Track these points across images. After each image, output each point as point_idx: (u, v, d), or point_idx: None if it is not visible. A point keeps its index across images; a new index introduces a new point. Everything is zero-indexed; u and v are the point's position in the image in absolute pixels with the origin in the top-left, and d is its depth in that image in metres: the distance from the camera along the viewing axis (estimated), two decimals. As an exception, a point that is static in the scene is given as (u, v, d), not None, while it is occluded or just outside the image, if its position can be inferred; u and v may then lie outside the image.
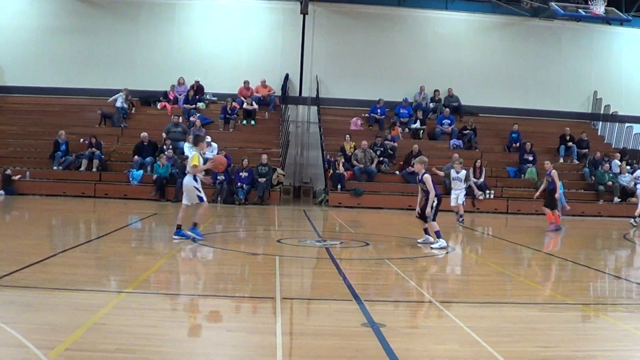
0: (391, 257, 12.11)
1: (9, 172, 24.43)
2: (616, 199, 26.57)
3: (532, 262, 12.97)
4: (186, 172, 13.47)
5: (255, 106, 29.85)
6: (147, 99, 30.71)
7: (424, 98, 31.72)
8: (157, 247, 13.27)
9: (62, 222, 17.93)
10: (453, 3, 32.32)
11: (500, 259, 13.15)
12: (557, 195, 18.35)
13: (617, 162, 28.17)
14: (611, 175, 27.22)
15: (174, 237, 12.91)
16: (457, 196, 19.59)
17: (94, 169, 25.52)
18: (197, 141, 13.83)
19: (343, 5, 31.99)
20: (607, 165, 27.60)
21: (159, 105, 30.40)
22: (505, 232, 18.65)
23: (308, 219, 20.32)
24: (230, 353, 5.81)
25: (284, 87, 30.94)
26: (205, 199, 13.24)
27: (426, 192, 13.47)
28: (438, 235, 13.35)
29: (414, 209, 14.15)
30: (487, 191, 25.88)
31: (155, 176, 24.63)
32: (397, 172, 26.92)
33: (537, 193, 19.69)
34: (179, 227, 13.06)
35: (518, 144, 29.41)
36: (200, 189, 13.13)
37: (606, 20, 30.74)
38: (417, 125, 30.32)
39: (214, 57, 31.09)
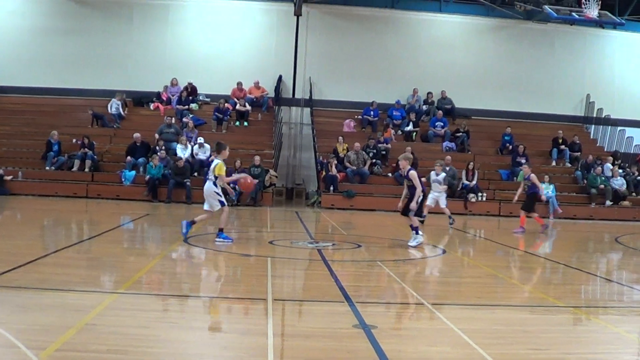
0: (383, 259, 12.12)
1: (1, 172, 24.34)
2: (608, 202, 26.63)
3: (523, 264, 13.00)
4: (207, 178, 13.51)
5: (248, 107, 29.83)
6: (140, 99, 30.64)
7: (417, 100, 31.74)
8: (149, 247, 13.28)
9: (55, 222, 17.89)
10: (446, 6, 32.36)
11: (492, 262, 13.18)
12: (543, 198, 18.37)
13: (609, 165, 28.23)
14: (603, 178, 27.28)
15: (217, 240, 12.97)
16: (437, 199, 19.43)
17: (87, 170, 25.45)
18: (220, 149, 13.71)
19: (336, 7, 31.99)
20: (600, 168, 27.67)
21: (152, 106, 30.34)
22: (497, 234, 18.68)
23: (300, 221, 20.31)
24: (222, 354, 5.81)
25: (277, 89, 30.93)
26: (226, 203, 13.32)
27: (412, 188, 13.54)
28: (416, 231, 13.50)
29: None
30: (480, 194, 25.92)
31: (147, 177, 24.58)
32: (390, 174, 26.91)
33: (516, 197, 19.60)
34: (220, 230, 13.17)
35: (511, 147, 29.43)
36: (221, 194, 13.24)
37: (599, 23, 30.81)
38: (410, 127, 30.32)
39: (207, 58, 31.04)
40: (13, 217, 18.89)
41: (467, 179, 26.00)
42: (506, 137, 29.98)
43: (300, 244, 13.83)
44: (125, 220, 18.32)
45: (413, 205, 13.33)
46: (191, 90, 30.26)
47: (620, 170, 28.14)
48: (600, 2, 27.72)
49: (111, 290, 8.11)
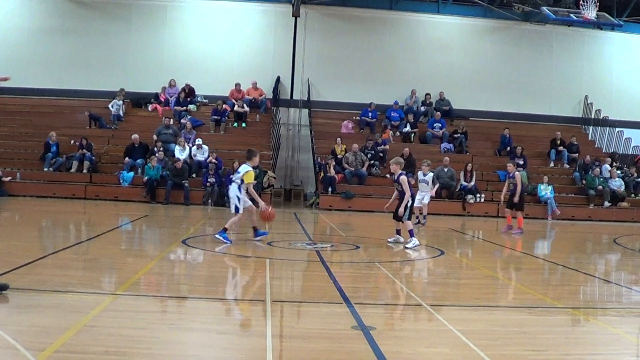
0: (381, 260, 12.13)
1: (-1, 173, 24.37)
2: (606, 204, 26.67)
3: (522, 265, 13.00)
4: (233, 180, 13.69)
5: (247, 108, 29.83)
6: (138, 100, 30.62)
7: (415, 101, 31.75)
8: (147, 249, 13.26)
9: (53, 223, 17.86)
10: (445, 7, 32.37)
11: (491, 263, 13.19)
12: (516, 199, 18.32)
13: (607, 166, 28.27)
14: (601, 179, 27.32)
15: (216, 236, 13.16)
16: (423, 197, 19.41)
17: (85, 171, 25.45)
18: (250, 155, 13.79)
19: (335, 8, 31.98)
20: (598, 169, 27.69)
21: (150, 107, 30.34)
22: (496, 235, 18.67)
23: (299, 222, 20.30)
24: (221, 355, 5.81)
25: (275, 90, 30.92)
26: (241, 211, 13.36)
27: (401, 193, 13.92)
28: (411, 234, 13.72)
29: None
30: (478, 195, 25.95)
31: (145, 178, 24.58)
32: (388, 176, 26.77)
33: (502, 196, 19.54)
34: (255, 229, 13.41)
35: (509, 148, 29.46)
36: (242, 200, 13.34)
37: (597, 25, 30.81)
38: (408, 128, 30.34)
39: (206, 59, 31.02)
40: (11, 218, 18.87)
41: (465, 180, 26.03)
42: (504, 138, 29.99)
43: (298, 245, 13.84)
44: (123, 222, 18.30)
45: (401, 211, 13.78)
46: (189, 92, 30.26)
47: (619, 172, 28.20)
48: (598, 4, 27.74)
49: (110, 292, 8.09)
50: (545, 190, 26.08)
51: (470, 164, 26.55)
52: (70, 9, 30.97)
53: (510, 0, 30.66)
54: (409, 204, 13.88)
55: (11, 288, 7.33)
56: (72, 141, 26.48)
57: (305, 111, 31.18)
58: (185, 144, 26.33)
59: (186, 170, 25.14)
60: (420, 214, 19.47)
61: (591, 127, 33.13)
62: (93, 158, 25.82)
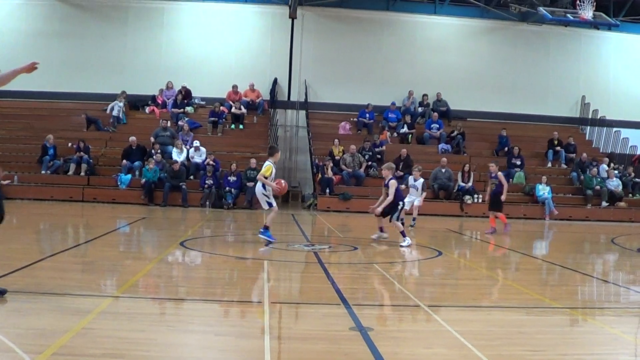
0: (379, 261, 12.13)
1: (-4, 176, 24.34)
2: (604, 204, 26.69)
3: (519, 266, 13.00)
4: (258, 179, 14.03)
5: (244, 110, 29.85)
6: (136, 103, 30.62)
7: (412, 102, 31.78)
8: (145, 251, 13.26)
9: (50, 226, 17.85)
10: (441, 8, 32.40)
11: (488, 263, 13.19)
12: (503, 198, 18.31)
13: (604, 166, 28.30)
14: (599, 179, 27.34)
15: (260, 234, 13.61)
16: (413, 201, 19.34)
17: (82, 173, 25.44)
18: (272, 152, 14.31)
19: (332, 9, 32.01)
20: (595, 169, 27.70)
21: (147, 110, 30.34)
22: (493, 236, 18.66)
23: (296, 223, 20.29)
24: (219, 357, 5.81)
25: (273, 92, 30.93)
26: (274, 204, 13.83)
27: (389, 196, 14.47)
28: (403, 235, 14.17)
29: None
30: (475, 195, 25.95)
31: (143, 180, 24.58)
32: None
33: (487, 197, 19.51)
34: (266, 227, 13.60)
35: (506, 149, 29.47)
36: (269, 195, 13.70)
37: (594, 25, 30.88)
38: (406, 129, 30.34)
39: (203, 61, 31.02)
40: (9, 221, 18.72)
41: (462, 181, 26.05)
42: (501, 139, 30.00)
43: (296, 246, 13.83)
44: (121, 224, 18.29)
45: (379, 210, 14.47)
46: (186, 94, 30.24)
47: (616, 172, 28.22)
48: (594, 4, 27.79)
49: (108, 294, 8.10)
50: (543, 191, 26.11)
51: (467, 165, 26.58)
52: (67, 12, 30.96)
53: (507, 1, 30.66)
54: (400, 208, 14.51)
55: (9, 291, 7.32)
56: (70, 144, 26.46)
57: (302, 113, 31.19)
58: (183, 146, 26.34)
59: (184, 172, 25.15)
60: (410, 213, 19.47)
61: (588, 127, 33.16)
62: (90, 161, 25.82)
